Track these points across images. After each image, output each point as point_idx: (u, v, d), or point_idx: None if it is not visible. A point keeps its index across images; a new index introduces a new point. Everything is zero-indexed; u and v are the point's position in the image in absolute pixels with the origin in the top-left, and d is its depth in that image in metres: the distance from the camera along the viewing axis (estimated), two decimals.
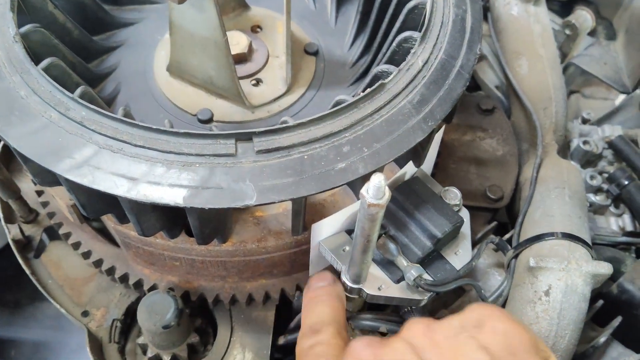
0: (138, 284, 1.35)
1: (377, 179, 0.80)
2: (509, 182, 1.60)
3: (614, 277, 1.29)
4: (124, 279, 1.36)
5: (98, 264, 1.38)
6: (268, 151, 0.96)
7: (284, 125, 0.98)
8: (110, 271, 1.37)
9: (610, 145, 1.75)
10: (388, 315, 1.24)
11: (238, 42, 1.40)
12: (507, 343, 0.81)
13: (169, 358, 1.30)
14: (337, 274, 1.13)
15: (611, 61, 2.01)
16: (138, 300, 1.34)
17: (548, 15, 1.85)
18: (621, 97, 2.02)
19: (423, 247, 1.11)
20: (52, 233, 1.53)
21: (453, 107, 1.09)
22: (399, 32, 1.30)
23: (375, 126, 1.02)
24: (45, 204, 1.43)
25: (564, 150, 1.73)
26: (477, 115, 1.73)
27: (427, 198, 1.14)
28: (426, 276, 1.10)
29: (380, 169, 1.00)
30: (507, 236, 1.39)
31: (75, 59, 1.32)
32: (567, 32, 1.94)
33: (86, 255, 1.38)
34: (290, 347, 1.40)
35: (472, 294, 1.36)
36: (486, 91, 1.89)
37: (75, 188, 1.02)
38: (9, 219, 1.56)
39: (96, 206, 1.10)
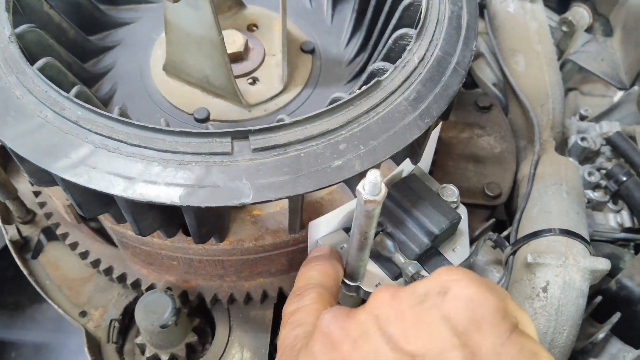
0: (136, 284, 1.35)
1: (373, 175, 0.80)
2: (506, 180, 1.60)
3: (612, 274, 1.29)
4: (122, 278, 1.36)
5: (96, 264, 1.37)
6: (264, 149, 0.96)
7: (280, 123, 0.98)
8: (108, 271, 1.37)
9: (608, 141, 1.75)
10: None
11: (234, 40, 1.40)
12: (472, 311, 0.76)
13: (167, 358, 1.30)
14: None
15: (608, 57, 2.01)
16: (136, 300, 1.34)
17: (544, 12, 1.85)
18: (619, 94, 2.02)
19: (420, 243, 1.11)
20: (50, 233, 1.53)
21: (449, 103, 1.09)
22: (394, 29, 1.30)
23: (372, 123, 1.02)
24: (42, 205, 1.43)
25: (562, 147, 1.73)
26: (475, 113, 1.73)
27: (424, 195, 1.14)
28: (424, 273, 1.10)
29: (376, 166, 0.99)
30: (505, 233, 1.39)
31: (71, 59, 1.32)
32: (564, 28, 1.94)
33: (84, 255, 1.38)
34: None
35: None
36: (483, 89, 1.89)
37: (71, 188, 1.02)
38: (7, 219, 1.56)
39: (93, 206, 1.09)
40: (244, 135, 0.97)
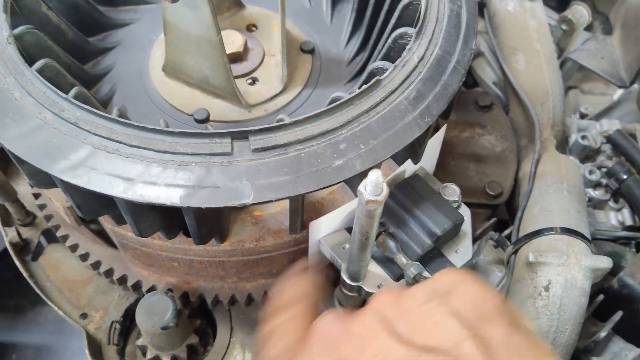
0: (137, 286, 1.35)
1: (375, 175, 0.79)
2: (508, 178, 1.60)
3: (614, 272, 1.28)
4: (123, 280, 1.36)
5: (96, 266, 1.37)
6: (264, 149, 0.96)
7: (280, 123, 0.97)
8: (109, 273, 1.36)
9: (609, 139, 1.74)
10: None
11: (233, 41, 1.40)
12: (478, 308, 0.80)
13: (169, 359, 1.30)
14: (337, 272, 1.13)
15: (608, 55, 2.01)
16: (137, 301, 1.34)
17: (544, 11, 1.85)
18: (619, 92, 2.02)
19: (423, 244, 1.10)
20: (50, 236, 1.53)
21: (450, 102, 1.09)
22: (394, 28, 1.30)
23: (372, 123, 1.01)
24: (42, 207, 1.43)
25: (563, 145, 1.72)
26: (475, 112, 1.73)
27: (427, 196, 1.14)
28: (426, 274, 1.09)
29: (377, 166, 0.99)
30: (506, 232, 1.39)
31: (70, 60, 1.31)
32: (564, 27, 1.94)
33: (84, 257, 1.38)
34: None
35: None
36: (484, 88, 1.89)
37: (71, 189, 1.02)
38: (6, 222, 1.55)
39: (92, 207, 1.09)
40: (243, 135, 0.96)
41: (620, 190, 1.63)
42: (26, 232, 1.55)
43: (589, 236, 1.28)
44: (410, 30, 1.20)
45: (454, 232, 1.16)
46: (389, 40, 1.25)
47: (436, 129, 1.20)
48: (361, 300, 1.20)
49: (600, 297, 1.30)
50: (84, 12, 1.45)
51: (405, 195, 1.14)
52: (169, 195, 0.93)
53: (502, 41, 1.80)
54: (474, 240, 1.25)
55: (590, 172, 1.64)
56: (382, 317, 0.82)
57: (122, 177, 0.94)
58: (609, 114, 1.97)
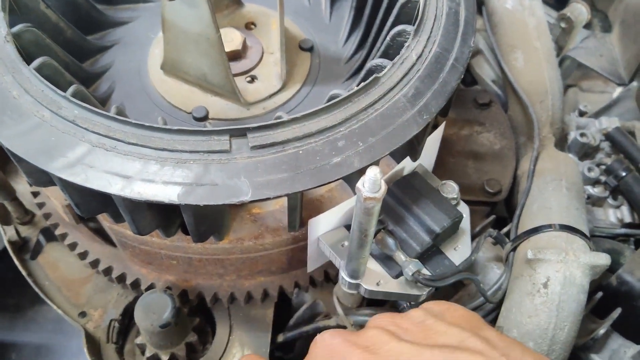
0: (135, 284, 1.35)
1: (373, 172, 0.79)
2: (506, 176, 1.60)
3: (613, 269, 1.28)
4: (121, 279, 1.36)
5: (95, 264, 1.37)
6: (262, 147, 0.96)
7: (278, 120, 0.97)
8: (108, 271, 1.36)
9: (608, 137, 1.74)
10: (386, 311, 1.24)
11: (232, 39, 1.39)
12: (469, 322, 0.87)
13: (168, 358, 1.30)
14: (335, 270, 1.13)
15: (607, 53, 2.01)
16: (136, 300, 1.34)
17: (543, 8, 1.85)
18: (619, 91, 2.01)
19: (422, 242, 1.10)
20: (49, 234, 1.53)
21: (448, 100, 1.09)
22: (392, 26, 1.29)
23: (370, 120, 1.01)
24: (41, 205, 1.43)
25: (562, 143, 1.72)
26: (474, 110, 1.73)
27: (426, 193, 1.14)
28: (425, 271, 1.10)
29: (375, 163, 0.99)
30: (505, 229, 1.39)
31: (68, 59, 1.31)
32: (563, 25, 1.94)
33: (83, 255, 1.38)
34: (290, 345, 1.40)
35: (471, 288, 1.35)
36: (483, 85, 1.89)
37: (69, 187, 1.02)
38: (5, 220, 1.55)
39: (90, 205, 1.09)
40: (242, 133, 0.96)
41: (619, 188, 1.63)
42: (25, 231, 1.55)
43: (587, 233, 1.27)
44: (409, 28, 1.20)
45: (452, 230, 1.16)
46: (388, 38, 1.24)
47: (435, 126, 1.20)
48: (360, 297, 1.20)
49: (599, 294, 1.30)
50: (82, 10, 1.45)
51: (404, 193, 1.14)
52: (167, 193, 0.93)
53: (500, 39, 1.80)
54: (473, 237, 1.24)
55: (589, 170, 1.64)
56: (386, 330, 0.86)
57: (120, 174, 0.94)
58: (608, 112, 1.97)
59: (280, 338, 1.38)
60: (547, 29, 1.80)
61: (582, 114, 1.94)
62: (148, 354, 1.31)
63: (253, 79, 1.41)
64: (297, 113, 0.99)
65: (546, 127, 1.63)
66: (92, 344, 1.36)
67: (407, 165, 1.18)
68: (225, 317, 1.37)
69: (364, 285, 1.09)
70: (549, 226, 1.25)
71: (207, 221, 1.08)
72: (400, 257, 1.10)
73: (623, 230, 1.55)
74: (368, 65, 1.22)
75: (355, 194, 0.85)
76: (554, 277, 1.17)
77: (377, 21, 1.40)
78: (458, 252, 1.16)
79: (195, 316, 1.36)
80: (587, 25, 2.04)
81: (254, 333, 1.36)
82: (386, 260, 1.12)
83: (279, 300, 1.37)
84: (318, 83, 1.43)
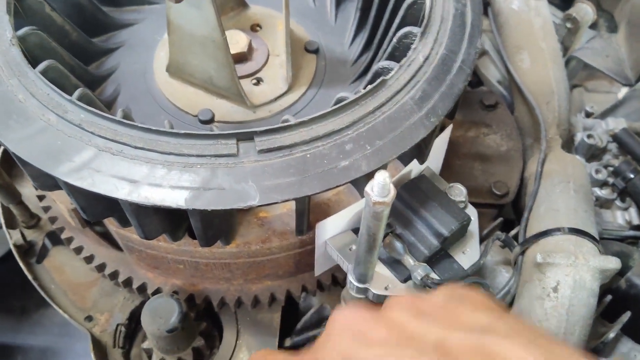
0: (142, 288, 1.35)
1: (382, 177, 0.79)
2: (513, 178, 1.59)
3: (622, 272, 1.27)
4: (128, 283, 1.35)
5: (101, 268, 1.37)
6: (270, 150, 0.95)
7: (286, 124, 0.97)
8: (114, 275, 1.36)
9: (615, 138, 1.73)
10: None
11: (237, 41, 1.39)
12: (492, 307, 0.82)
13: None
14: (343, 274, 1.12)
15: (613, 54, 2.00)
16: (142, 304, 1.34)
17: (548, 9, 1.84)
18: (624, 90, 2.01)
19: (430, 245, 1.10)
20: (55, 238, 1.52)
21: (455, 102, 1.08)
22: (399, 28, 1.29)
23: (378, 123, 1.01)
24: (46, 209, 1.42)
25: (568, 144, 1.71)
26: (480, 111, 1.72)
27: (434, 196, 1.13)
28: (433, 275, 1.09)
29: (383, 166, 0.99)
30: (513, 232, 1.38)
31: (74, 62, 1.31)
32: (568, 25, 1.93)
33: (89, 259, 1.38)
34: (297, 349, 1.39)
35: (479, 292, 1.34)
36: (489, 86, 1.88)
37: (75, 192, 1.01)
38: (11, 224, 1.55)
39: (97, 210, 1.09)
40: (249, 136, 0.96)
41: (627, 189, 1.62)
42: (30, 235, 1.55)
43: (596, 236, 1.27)
44: (415, 30, 1.19)
45: (461, 233, 1.15)
46: (394, 40, 1.24)
47: (441, 128, 1.19)
48: (368, 302, 1.20)
49: (608, 297, 1.29)
50: (87, 12, 1.44)
51: (412, 196, 1.13)
52: (174, 198, 0.92)
53: (506, 40, 1.80)
54: (481, 240, 1.24)
55: (597, 171, 1.63)
56: (409, 311, 0.81)
57: (126, 179, 0.94)
58: (615, 113, 1.96)
59: (288, 342, 1.38)
60: (553, 30, 1.80)
61: (588, 115, 1.93)
62: (155, 358, 1.30)
63: (259, 81, 1.40)
64: (304, 116, 0.98)
65: (553, 128, 1.62)
66: (99, 348, 1.36)
67: (415, 168, 1.17)
68: (232, 322, 1.37)
69: (372, 290, 1.08)
70: (558, 229, 1.25)
71: (215, 225, 1.08)
72: (408, 261, 1.10)
73: (631, 233, 1.54)
74: (375, 67, 1.21)
75: (362, 197, 0.84)
76: (564, 281, 1.16)
77: (383, 23, 1.39)
78: (466, 255, 1.16)
79: (202, 320, 1.36)
80: (593, 26, 2.03)
81: (261, 337, 1.35)
82: (394, 264, 1.11)
83: (286, 304, 1.37)
84: (324, 85, 1.42)
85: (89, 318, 1.41)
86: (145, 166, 0.94)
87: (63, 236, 1.40)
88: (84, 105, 0.98)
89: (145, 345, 1.34)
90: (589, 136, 1.69)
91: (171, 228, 1.13)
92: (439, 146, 1.19)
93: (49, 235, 1.54)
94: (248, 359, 1.33)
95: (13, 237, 1.51)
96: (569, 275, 1.16)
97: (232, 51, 1.31)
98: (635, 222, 1.61)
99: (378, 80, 1.03)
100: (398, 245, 1.11)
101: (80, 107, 0.98)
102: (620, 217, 1.63)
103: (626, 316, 1.25)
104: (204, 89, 1.38)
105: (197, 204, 0.92)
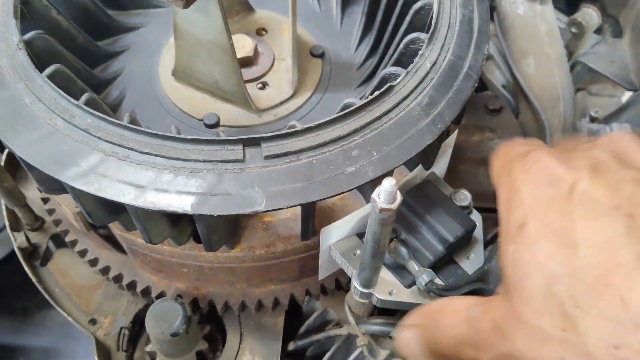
0: (146, 291, 1.35)
1: (389, 184, 0.79)
2: None
3: None
4: (132, 286, 1.35)
5: (105, 271, 1.37)
6: (276, 156, 0.95)
7: (292, 129, 0.97)
8: (118, 278, 1.36)
9: None
10: (399, 320, 1.23)
11: (243, 45, 1.39)
12: None
13: None
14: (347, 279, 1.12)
15: (618, 59, 1.99)
16: (146, 307, 1.34)
17: (554, 14, 1.84)
18: (627, 94, 2.00)
19: (435, 251, 1.09)
20: (59, 241, 1.52)
21: (462, 108, 1.08)
22: (405, 33, 1.29)
23: (384, 129, 1.01)
24: (51, 212, 1.42)
25: None
26: (485, 116, 1.72)
27: (439, 202, 1.13)
28: (438, 281, 1.09)
29: (389, 173, 0.99)
30: None
31: (80, 65, 1.31)
32: (573, 30, 1.93)
33: (93, 262, 1.38)
34: (301, 353, 1.39)
35: None
36: (493, 91, 1.88)
37: (81, 196, 1.02)
38: (15, 226, 1.55)
39: (103, 214, 1.09)
40: (255, 142, 0.96)
41: None
42: (35, 237, 1.55)
43: None
44: (423, 36, 1.19)
45: (466, 239, 1.15)
46: (401, 46, 1.24)
47: (447, 133, 1.19)
48: (371, 307, 1.19)
49: None
50: (93, 16, 1.45)
51: (417, 202, 1.13)
52: (181, 203, 0.92)
53: (512, 44, 1.80)
54: (485, 245, 1.24)
55: None
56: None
57: (133, 184, 0.94)
58: (619, 117, 1.96)
59: (291, 346, 1.37)
60: (558, 35, 1.79)
61: (593, 119, 1.93)
62: None
63: (264, 85, 1.41)
64: (310, 121, 0.99)
65: (558, 133, 1.62)
66: (103, 351, 1.36)
67: (420, 173, 1.17)
68: (235, 325, 1.37)
69: (376, 295, 1.08)
70: None
71: (220, 230, 1.08)
72: (413, 266, 1.09)
73: None
74: (381, 73, 1.21)
75: (368, 202, 0.84)
76: None
77: (390, 28, 1.39)
78: (471, 261, 1.15)
79: (206, 324, 1.36)
80: (598, 31, 2.03)
81: (265, 341, 1.35)
82: (399, 269, 1.11)
83: (289, 308, 1.36)
84: (329, 90, 1.42)
85: (93, 321, 1.41)
86: (151, 171, 0.94)
87: (67, 239, 1.40)
88: (90, 110, 0.98)
89: (149, 348, 1.34)
90: None
91: (176, 232, 1.13)
92: (445, 151, 1.19)
93: (53, 237, 1.54)
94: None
95: (17, 240, 1.51)
96: None
97: (238, 55, 1.31)
98: None
99: (385, 87, 1.03)
100: (403, 250, 1.10)
101: (87, 111, 0.98)
102: None
103: None
104: (209, 93, 1.38)
105: (203, 210, 0.92)
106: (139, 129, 0.96)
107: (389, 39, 1.39)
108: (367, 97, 1.02)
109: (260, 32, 1.51)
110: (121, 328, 1.39)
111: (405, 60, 1.25)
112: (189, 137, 0.94)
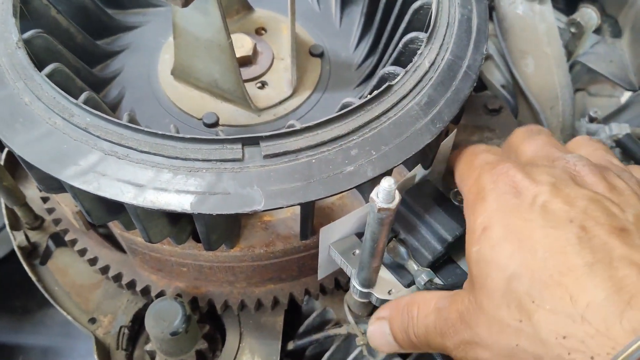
0: (145, 291, 1.35)
1: (387, 183, 0.79)
2: None
3: None
4: (131, 285, 1.35)
5: (105, 270, 1.37)
6: (275, 155, 0.95)
7: (291, 129, 0.97)
8: (117, 278, 1.36)
9: (618, 144, 1.73)
10: None
11: (242, 44, 1.39)
12: None
13: None
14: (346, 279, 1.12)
15: (617, 59, 1.99)
16: (146, 306, 1.33)
17: (553, 14, 1.84)
18: (627, 94, 2.01)
19: (433, 251, 1.10)
20: (58, 240, 1.52)
21: (461, 108, 1.08)
22: (404, 33, 1.29)
23: (383, 129, 1.01)
24: (50, 211, 1.43)
25: None
26: (484, 116, 1.72)
27: (438, 201, 1.13)
28: (437, 280, 1.09)
29: (388, 172, 0.99)
30: None
31: (79, 64, 1.31)
32: (573, 30, 1.93)
33: (93, 261, 1.38)
34: (300, 352, 1.39)
35: None
36: (493, 91, 1.88)
37: (80, 195, 1.02)
38: (15, 225, 1.55)
39: (102, 213, 1.09)
40: (254, 141, 0.96)
41: None
42: (34, 236, 1.55)
43: None
44: (421, 35, 1.19)
45: (464, 238, 1.15)
46: (400, 45, 1.24)
47: (446, 133, 1.19)
48: (371, 306, 1.20)
49: None
50: (92, 15, 1.45)
51: (416, 201, 1.13)
52: (180, 202, 0.92)
53: (511, 44, 1.80)
54: None
55: None
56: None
57: (132, 183, 0.94)
58: (618, 118, 1.96)
59: (291, 345, 1.38)
60: (557, 35, 1.80)
61: (592, 119, 1.93)
62: None
63: (263, 84, 1.41)
64: (309, 120, 0.99)
65: (557, 133, 1.63)
66: (102, 350, 1.36)
67: (419, 172, 1.17)
68: (235, 324, 1.37)
69: (375, 294, 1.08)
70: None
71: (219, 230, 1.08)
72: (412, 266, 1.10)
73: None
74: (380, 72, 1.21)
75: (367, 202, 0.84)
76: None
77: (389, 27, 1.40)
78: None
79: (205, 323, 1.36)
80: (597, 31, 2.03)
81: (264, 340, 1.35)
82: (398, 268, 1.11)
83: (289, 308, 1.37)
84: (329, 89, 1.42)
85: (93, 320, 1.41)
86: (151, 170, 0.94)
87: (67, 238, 1.40)
88: (90, 109, 0.98)
89: (148, 347, 1.34)
90: None
91: (175, 232, 1.13)
92: (443, 151, 1.19)
93: (52, 236, 1.54)
94: None
95: (17, 239, 1.51)
96: None
97: (237, 55, 1.31)
98: None
99: (384, 86, 1.03)
100: (402, 250, 1.11)
101: (87, 110, 0.98)
102: None
103: None
104: (208, 92, 1.38)
105: (202, 209, 0.92)
106: (138, 128, 0.96)
107: (388, 39, 1.40)
108: (366, 97, 1.02)
109: (259, 31, 1.51)
110: (121, 327, 1.39)
111: (404, 59, 1.25)
112: (188, 136, 0.94)
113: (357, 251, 1.11)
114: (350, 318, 1.24)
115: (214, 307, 1.33)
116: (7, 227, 1.54)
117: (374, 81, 1.24)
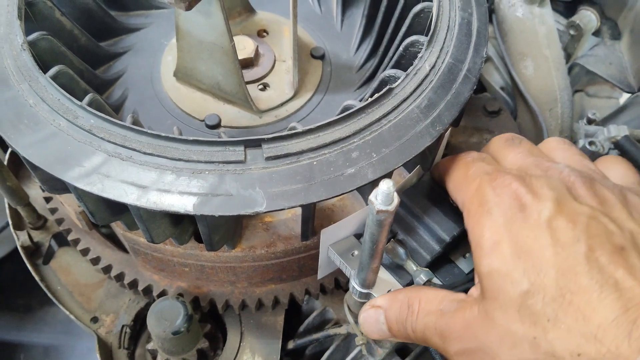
0: (147, 290, 1.36)
1: (386, 186, 0.80)
2: None
3: None
4: (133, 284, 1.36)
5: (107, 270, 1.38)
6: (277, 157, 0.97)
7: (293, 131, 0.98)
8: (120, 277, 1.37)
9: (617, 145, 1.74)
10: None
11: (245, 46, 1.40)
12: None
13: None
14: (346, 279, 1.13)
15: (616, 61, 2.00)
16: (147, 306, 1.35)
17: (553, 16, 1.85)
18: (625, 96, 2.01)
19: (431, 251, 1.11)
20: (61, 239, 1.53)
21: (461, 111, 1.09)
22: (405, 36, 1.30)
23: (384, 131, 1.02)
24: (53, 211, 1.44)
25: None
26: (483, 117, 1.73)
27: (435, 202, 1.14)
28: (435, 280, 1.10)
29: (389, 174, 1.00)
30: None
31: (83, 66, 1.32)
32: (572, 32, 1.94)
33: (95, 261, 1.39)
34: (300, 352, 1.40)
35: None
36: (492, 93, 1.89)
37: (84, 196, 1.03)
38: (18, 225, 1.56)
39: (105, 214, 1.10)
40: (257, 143, 0.97)
41: None
42: (37, 236, 1.55)
43: None
44: (422, 39, 1.20)
45: (462, 238, 1.16)
46: (400, 48, 1.25)
47: None
48: None
49: None
50: (96, 17, 1.46)
51: (414, 202, 1.14)
52: (183, 203, 0.93)
53: (510, 47, 1.81)
54: None
55: None
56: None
57: (135, 184, 0.95)
58: (616, 119, 1.97)
59: (291, 345, 1.38)
60: (557, 37, 1.80)
61: (590, 121, 1.94)
62: (159, 359, 1.32)
63: (265, 86, 1.42)
64: (310, 122, 1.00)
65: (555, 134, 1.64)
66: (104, 349, 1.37)
67: (417, 173, 1.18)
68: (236, 324, 1.38)
69: (375, 295, 1.09)
70: None
71: (221, 231, 1.09)
72: (410, 266, 1.11)
73: None
74: (381, 75, 1.22)
75: (367, 204, 0.85)
76: None
77: (389, 30, 1.41)
78: (467, 259, 1.16)
79: (207, 322, 1.37)
80: (596, 33, 2.04)
81: (265, 340, 1.36)
82: (396, 269, 1.12)
83: (289, 307, 1.38)
84: (330, 91, 1.44)
85: (95, 319, 1.42)
86: (154, 172, 0.95)
87: (70, 238, 1.41)
88: (94, 111, 0.99)
89: (150, 346, 1.35)
90: (591, 143, 1.70)
91: (178, 232, 1.14)
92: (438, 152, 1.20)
93: (55, 236, 1.55)
94: None
95: (20, 238, 1.52)
96: None
97: (239, 57, 1.32)
98: None
99: (385, 89, 1.04)
100: (400, 250, 1.11)
101: (91, 112, 0.99)
102: None
103: None
104: (211, 94, 1.39)
105: (205, 210, 0.93)
106: (141, 130, 0.97)
107: (389, 42, 1.41)
108: (367, 99, 1.03)
109: (261, 33, 1.52)
110: (123, 326, 1.40)
111: (404, 62, 1.26)
112: (191, 138, 0.95)
113: (356, 252, 1.12)
114: (350, 318, 1.25)
115: (215, 306, 1.34)
116: (11, 227, 1.55)
117: (374, 84, 1.25)
